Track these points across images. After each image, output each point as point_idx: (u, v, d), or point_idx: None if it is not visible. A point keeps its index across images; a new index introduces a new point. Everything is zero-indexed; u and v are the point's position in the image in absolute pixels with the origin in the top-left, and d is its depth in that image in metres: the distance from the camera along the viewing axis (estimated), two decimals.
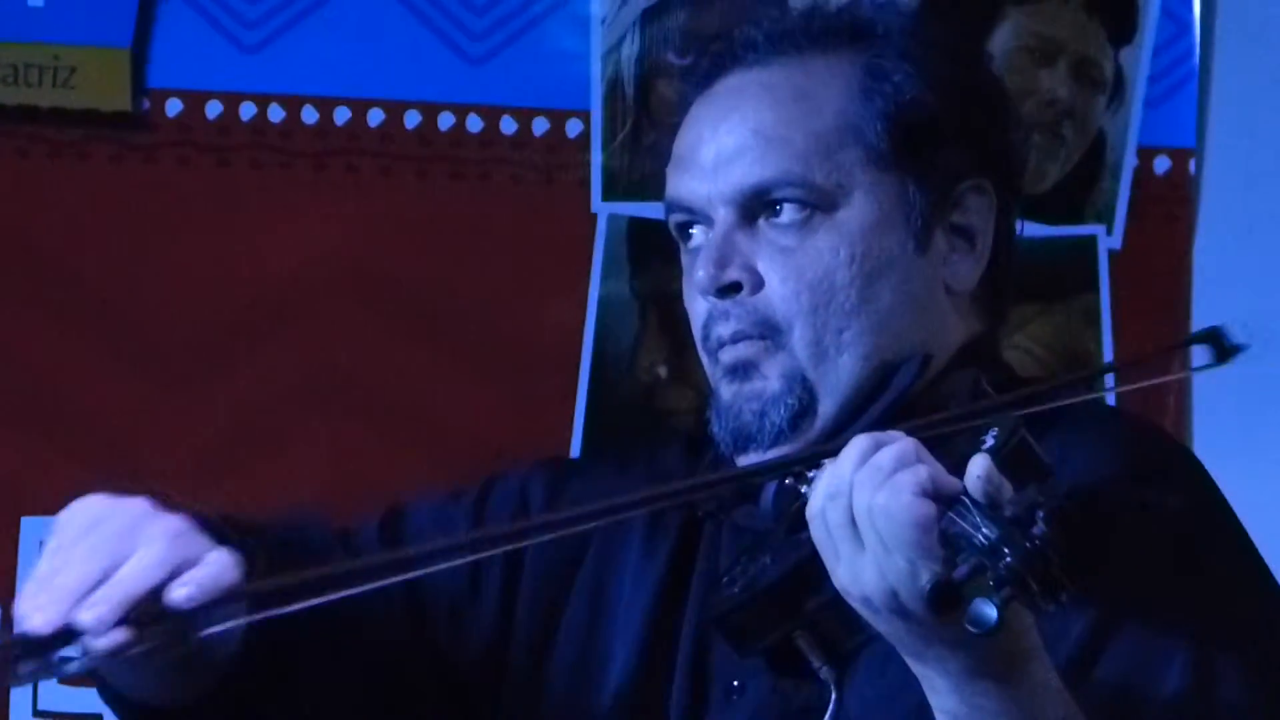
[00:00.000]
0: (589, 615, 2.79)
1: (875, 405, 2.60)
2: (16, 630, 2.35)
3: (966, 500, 2.27)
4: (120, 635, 2.36)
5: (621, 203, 3.91)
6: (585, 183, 3.89)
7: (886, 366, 2.61)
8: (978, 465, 2.25)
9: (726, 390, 2.63)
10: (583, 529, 2.66)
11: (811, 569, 2.46)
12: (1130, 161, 3.90)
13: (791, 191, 2.61)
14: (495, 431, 3.79)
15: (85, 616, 2.35)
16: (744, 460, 2.64)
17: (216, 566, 2.41)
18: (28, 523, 3.80)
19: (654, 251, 3.82)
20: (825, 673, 2.53)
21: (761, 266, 2.61)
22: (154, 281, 3.83)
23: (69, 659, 2.37)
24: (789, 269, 2.61)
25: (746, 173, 2.63)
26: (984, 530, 2.24)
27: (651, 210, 3.61)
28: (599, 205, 3.89)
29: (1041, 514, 2.22)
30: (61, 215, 3.84)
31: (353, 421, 3.85)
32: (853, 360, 2.62)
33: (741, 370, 2.62)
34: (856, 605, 2.34)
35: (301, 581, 2.52)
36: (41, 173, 3.83)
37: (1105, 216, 3.91)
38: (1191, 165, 3.92)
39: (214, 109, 3.85)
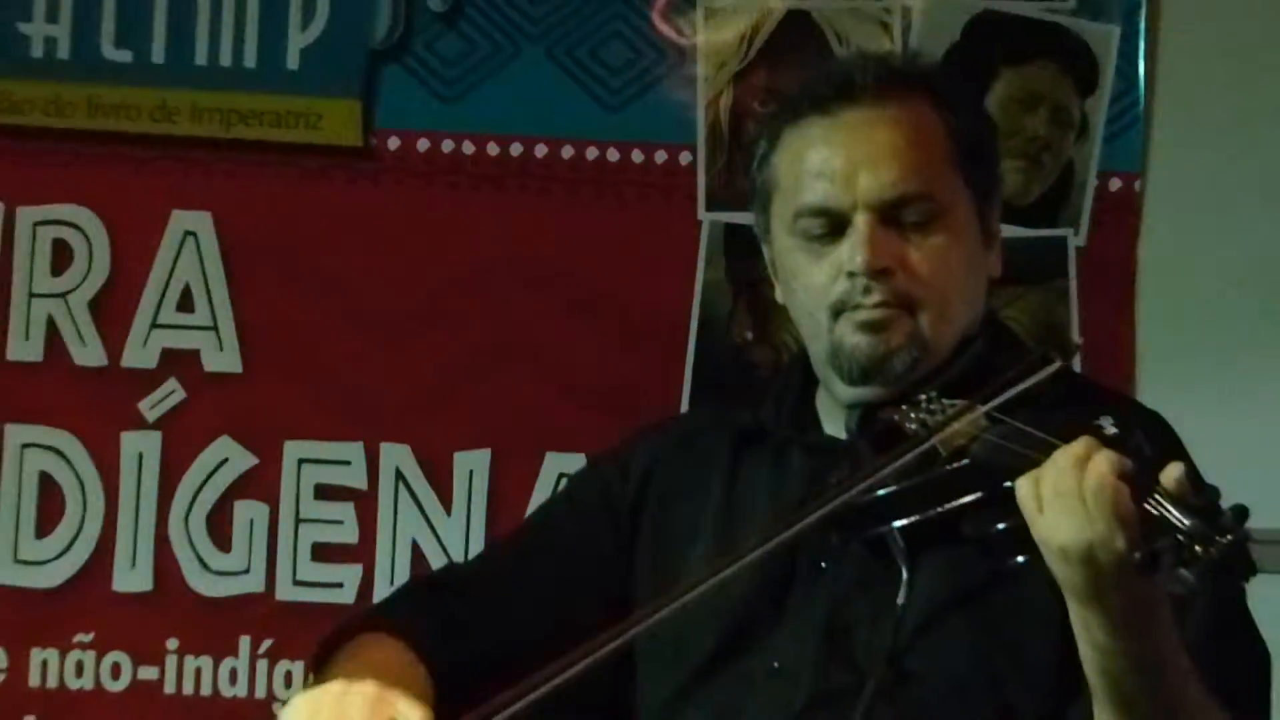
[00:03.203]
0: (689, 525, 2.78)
1: (954, 366, 2.63)
2: None
3: (1161, 486, 2.28)
4: None
5: (719, 212, 3.95)
6: (693, 198, 3.95)
7: (966, 334, 2.67)
8: (1175, 470, 2.28)
9: (854, 338, 2.64)
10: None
11: (921, 492, 2.50)
12: (1092, 181, 3.95)
13: (923, 202, 2.65)
14: (626, 381, 3.88)
15: None
16: (857, 391, 2.68)
17: None
18: (289, 446, 3.90)
19: (743, 248, 3.88)
20: (904, 565, 2.56)
21: (906, 256, 2.64)
22: (377, 270, 3.92)
23: None
24: (921, 259, 2.64)
25: (893, 184, 2.65)
26: (1181, 516, 2.25)
27: (742, 218, 3.66)
28: (703, 214, 3.94)
29: (1230, 509, 2.25)
30: (311, 222, 3.92)
31: (522, 376, 3.92)
32: (955, 329, 2.66)
33: (878, 326, 2.63)
34: (1050, 555, 2.36)
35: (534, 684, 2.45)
36: (298, 191, 3.92)
37: (1074, 222, 3.95)
38: (1137, 184, 3.96)
39: (423, 144, 3.92)
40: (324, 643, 2.65)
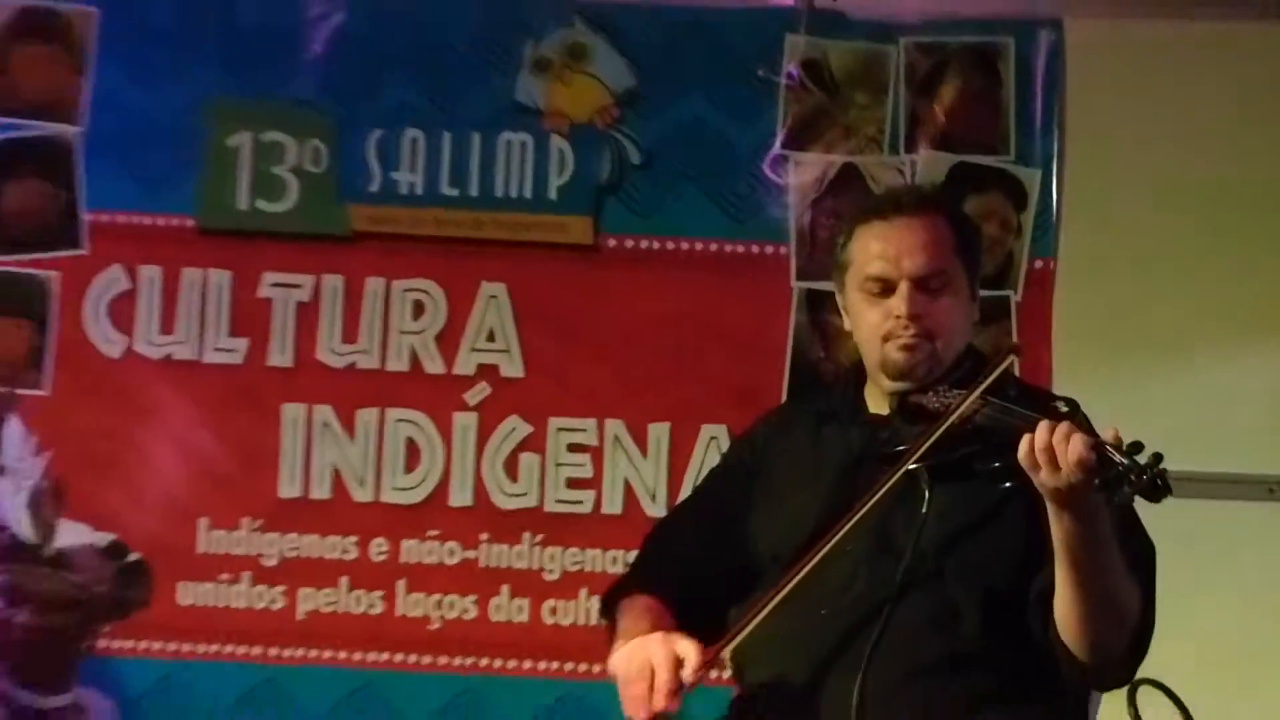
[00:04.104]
0: (785, 475, 2.94)
1: (957, 369, 2.81)
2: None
3: (1105, 441, 2.45)
4: (676, 704, 2.59)
5: (804, 282, 4.34)
6: (788, 274, 4.36)
7: (960, 355, 2.85)
8: (1112, 431, 2.46)
9: (896, 355, 2.80)
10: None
11: (941, 445, 2.65)
12: (1025, 263, 4.31)
13: (942, 275, 2.83)
14: (749, 382, 4.27)
15: (659, 707, 2.58)
16: (896, 384, 2.82)
17: (693, 655, 2.60)
18: (552, 420, 4.32)
19: (818, 304, 4.29)
20: (926, 488, 2.72)
21: (929, 309, 2.81)
22: (601, 318, 4.34)
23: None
24: (938, 310, 2.82)
25: (924, 265, 2.81)
26: (1122, 457, 2.41)
27: (820, 286, 4.22)
28: (794, 284, 4.35)
29: (1151, 451, 2.42)
30: (562, 289, 4.34)
31: (688, 379, 4.33)
32: (956, 350, 2.84)
33: (911, 349, 2.79)
34: (1046, 491, 2.50)
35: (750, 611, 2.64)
36: (554, 270, 4.35)
37: (1014, 286, 4.31)
38: (1052, 265, 4.30)
39: (628, 243, 4.36)
40: (605, 601, 2.92)
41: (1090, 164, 4.34)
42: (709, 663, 2.59)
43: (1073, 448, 2.44)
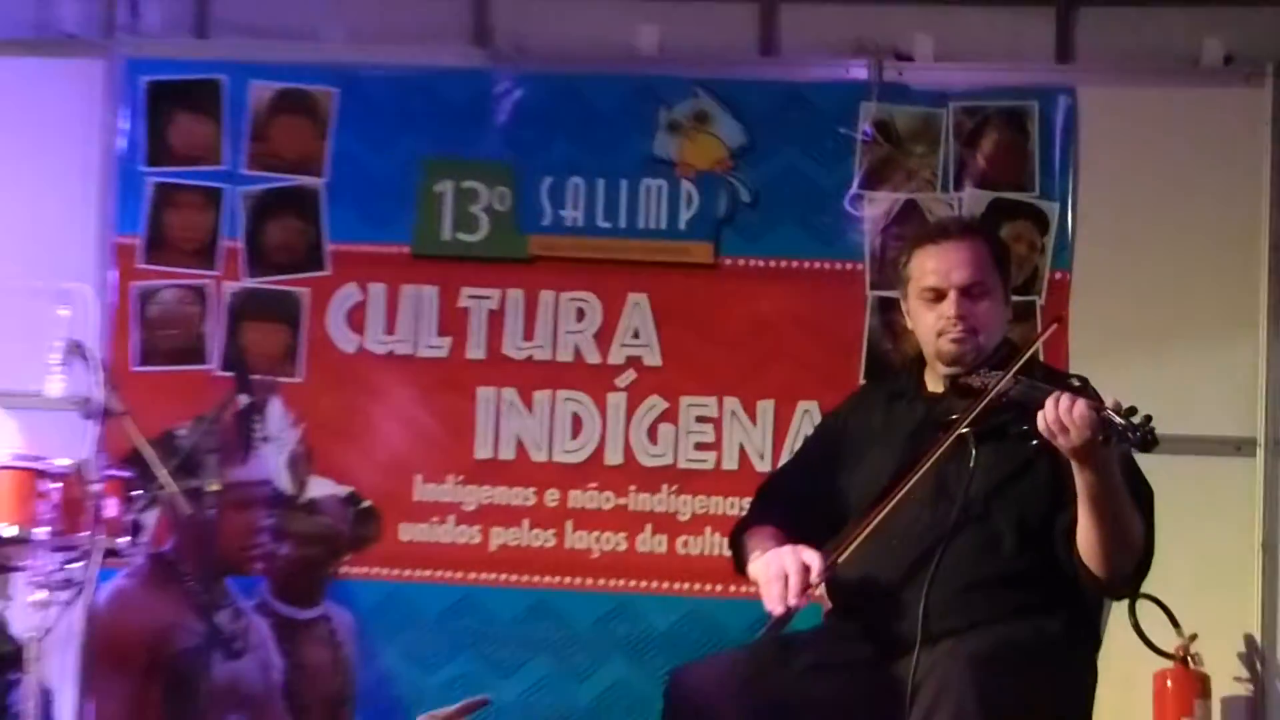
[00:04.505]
0: (861, 451, 3.21)
1: (995, 356, 3.07)
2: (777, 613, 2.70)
3: (1107, 406, 2.71)
4: (805, 600, 2.82)
5: (876, 291, 4.78)
6: (863, 285, 4.81)
7: (998, 345, 3.10)
8: (1112, 398, 2.71)
9: (947, 347, 3.06)
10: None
11: (984, 414, 2.86)
12: (1047, 274, 4.75)
13: (982, 285, 3.09)
14: (834, 368, 4.71)
15: (793, 602, 2.82)
16: (948, 369, 3.08)
17: (817, 561, 2.84)
18: (682, 399, 4.81)
19: (888, 308, 4.69)
20: (973, 448, 2.97)
21: (972, 311, 3.06)
22: (719, 319, 4.75)
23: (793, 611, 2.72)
24: (980, 312, 3.07)
25: (968, 276, 3.09)
26: (1120, 418, 2.65)
27: (889, 294, 4.59)
28: (869, 292, 4.80)
29: (1143, 414, 2.68)
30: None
31: (787, 367, 4.79)
32: (994, 342, 3.11)
33: (959, 342, 3.04)
34: (1065, 450, 2.73)
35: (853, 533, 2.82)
36: (683, 284, 4.82)
37: (1039, 293, 4.74)
38: (1069, 276, 4.74)
39: (740, 262, 4.85)
40: (733, 533, 3.23)
41: (1098, 198, 4.81)
42: (830, 568, 2.89)
43: (1076, 412, 2.76)
